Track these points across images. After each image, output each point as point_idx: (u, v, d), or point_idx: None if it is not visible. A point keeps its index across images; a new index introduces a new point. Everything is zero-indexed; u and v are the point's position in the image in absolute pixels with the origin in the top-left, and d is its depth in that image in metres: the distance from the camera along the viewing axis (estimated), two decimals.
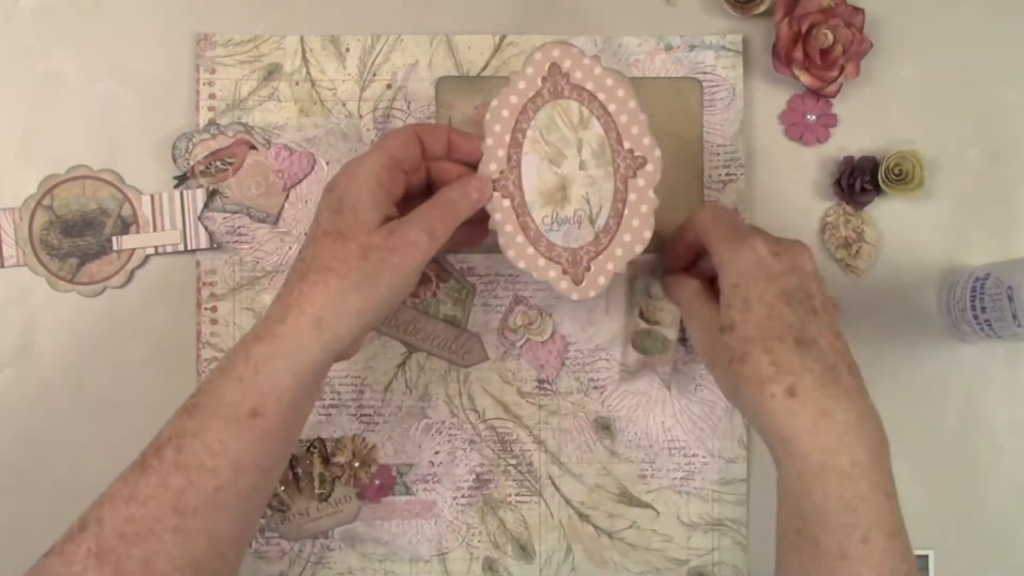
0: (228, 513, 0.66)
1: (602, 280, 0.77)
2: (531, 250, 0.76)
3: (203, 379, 0.68)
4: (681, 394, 0.83)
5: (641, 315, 0.82)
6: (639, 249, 0.76)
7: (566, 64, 0.75)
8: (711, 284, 0.76)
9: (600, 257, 0.76)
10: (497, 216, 0.76)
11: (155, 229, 0.81)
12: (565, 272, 0.77)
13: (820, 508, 0.63)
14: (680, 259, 0.79)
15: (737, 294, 0.68)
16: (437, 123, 0.82)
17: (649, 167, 0.75)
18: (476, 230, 0.76)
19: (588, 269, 0.77)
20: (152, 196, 0.81)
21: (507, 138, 0.76)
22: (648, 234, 0.75)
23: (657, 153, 0.75)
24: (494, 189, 0.76)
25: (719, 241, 0.71)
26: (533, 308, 0.83)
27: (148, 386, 0.81)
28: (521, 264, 0.77)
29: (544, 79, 0.76)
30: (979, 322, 0.78)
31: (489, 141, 0.76)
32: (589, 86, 0.75)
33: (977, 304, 0.77)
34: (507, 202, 0.76)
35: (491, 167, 0.76)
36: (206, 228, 0.81)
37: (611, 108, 0.75)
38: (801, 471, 0.64)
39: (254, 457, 0.66)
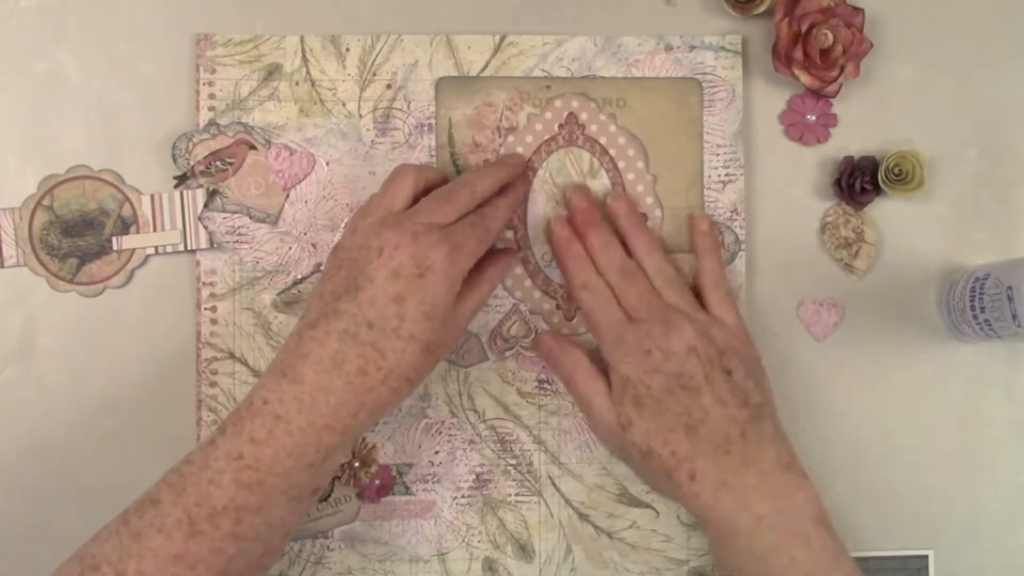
0: (264, 569, 0.71)
1: None
2: (528, 282, 0.82)
3: (258, 451, 0.67)
4: None
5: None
6: None
7: (583, 116, 0.82)
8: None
9: None
10: (498, 246, 0.81)
11: (155, 229, 0.81)
12: (559, 307, 0.83)
13: (737, 565, 0.70)
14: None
15: (627, 393, 0.73)
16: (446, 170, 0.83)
17: (648, 224, 0.82)
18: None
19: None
20: (152, 196, 0.81)
21: None
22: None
23: (659, 212, 0.83)
24: None
25: (601, 338, 0.76)
26: (529, 320, 0.82)
27: (148, 386, 0.81)
28: (517, 294, 0.82)
29: (561, 125, 0.82)
30: (979, 322, 0.78)
31: None
32: (602, 140, 0.82)
33: (977, 304, 0.77)
34: (510, 234, 0.82)
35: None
36: (206, 228, 0.81)
37: (620, 165, 0.83)
38: (714, 536, 0.71)
39: (299, 520, 0.71)
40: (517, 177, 0.80)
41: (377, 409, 0.69)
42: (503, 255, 0.80)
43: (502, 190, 0.78)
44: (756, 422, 0.71)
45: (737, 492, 0.69)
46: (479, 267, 0.74)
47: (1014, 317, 0.73)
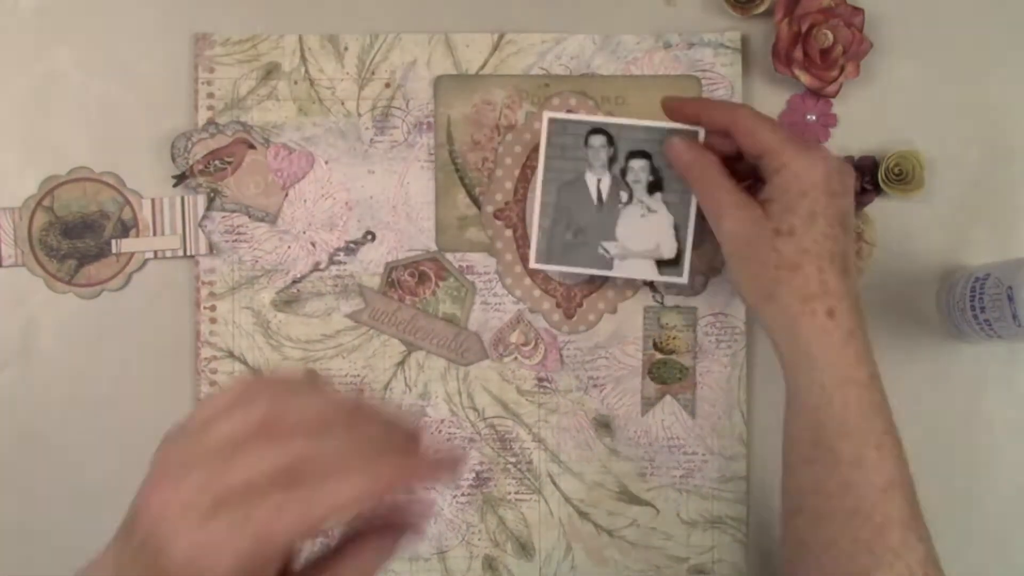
0: None
1: (592, 318, 0.82)
2: (528, 281, 0.82)
3: None
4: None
5: (655, 346, 0.82)
6: (630, 293, 0.83)
7: (581, 115, 0.81)
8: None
9: (593, 296, 0.82)
10: (498, 244, 0.82)
11: (155, 233, 0.81)
12: (559, 305, 0.83)
13: (840, 418, 0.67)
14: (680, 116, 0.77)
15: (804, 204, 0.68)
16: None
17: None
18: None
19: (580, 305, 0.82)
20: (153, 200, 0.81)
21: (516, 172, 0.82)
22: (640, 282, 0.82)
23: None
24: (497, 218, 0.79)
25: (787, 145, 0.70)
26: (532, 330, 0.83)
27: (147, 386, 0.82)
28: (517, 293, 0.82)
29: None
30: (979, 322, 0.77)
31: (499, 172, 0.82)
32: None
33: (977, 304, 0.77)
34: (509, 232, 0.82)
35: (497, 197, 0.82)
36: (206, 234, 0.81)
37: None
38: (824, 383, 0.68)
39: None
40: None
41: None
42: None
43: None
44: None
45: (861, 346, 0.68)
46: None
47: (1014, 317, 0.73)
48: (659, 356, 0.82)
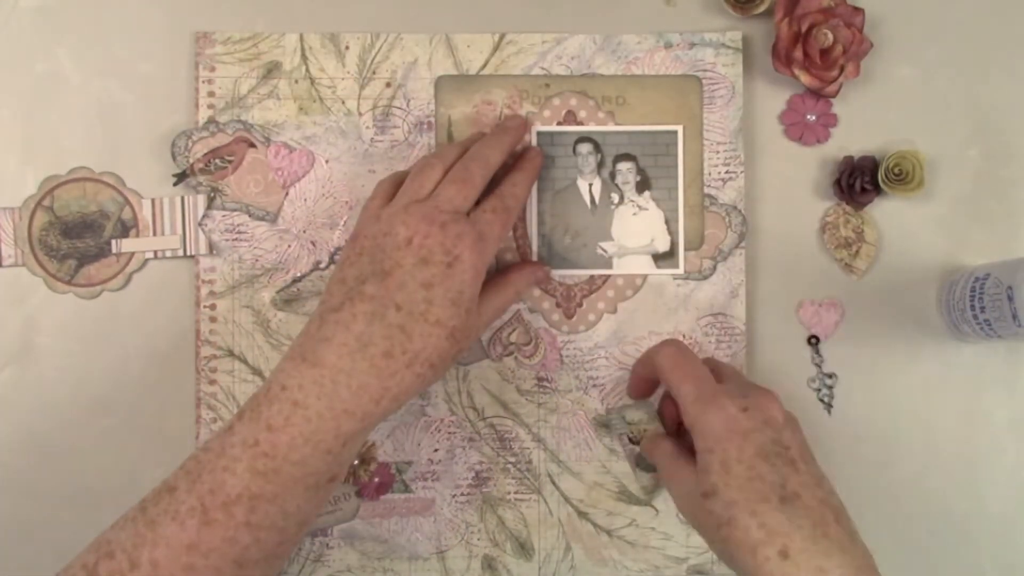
0: (282, 559, 0.70)
1: (592, 318, 0.83)
2: None
3: (274, 438, 0.66)
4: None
5: (631, 441, 0.82)
6: (630, 293, 0.83)
7: (582, 114, 0.82)
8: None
9: (593, 296, 0.82)
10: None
11: (155, 233, 0.81)
12: (559, 305, 0.83)
13: None
14: (642, 391, 0.81)
15: (714, 458, 0.66)
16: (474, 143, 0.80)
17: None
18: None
19: (580, 305, 0.83)
20: (153, 200, 0.81)
21: None
22: (640, 281, 0.82)
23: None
24: None
25: (687, 402, 0.69)
26: (531, 329, 0.83)
27: (147, 385, 0.82)
28: None
29: (560, 123, 0.83)
30: (979, 322, 0.77)
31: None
32: None
33: (977, 304, 0.77)
34: (509, 232, 0.82)
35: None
36: (206, 234, 0.81)
37: None
38: None
39: (317, 510, 0.70)
40: (524, 143, 0.81)
41: (399, 395, 0.69)
42: (530, 265, 0.81)
43: (516, 163, 0.79)
44: (844, 513, 0.65)
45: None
46: (505, 272, 0.76)
47: (1014, 317, 0.73)
48: (638, 449, 0.82)
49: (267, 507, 0.66)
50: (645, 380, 0.79)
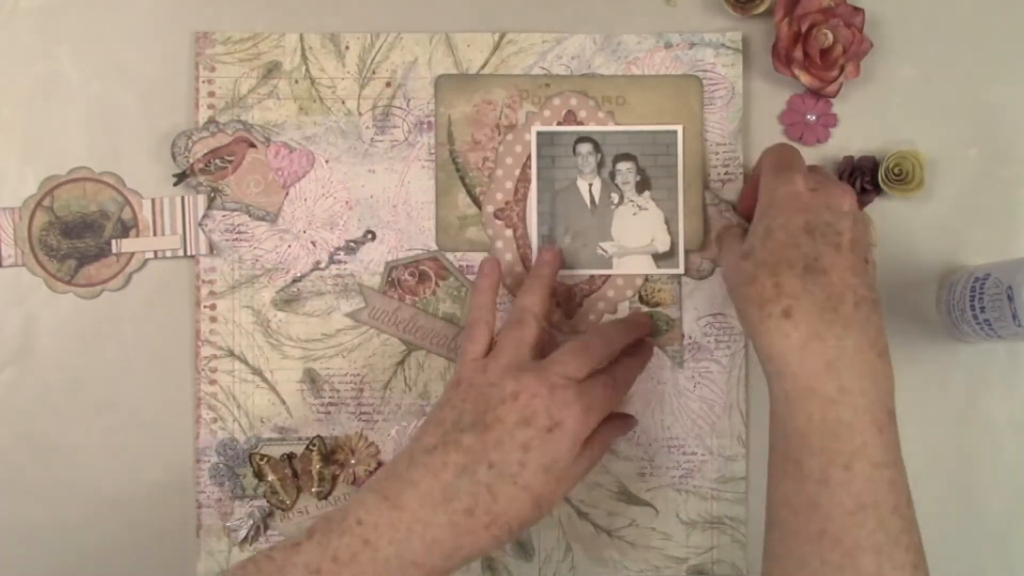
0: None
1: (592, 318, 0.83)
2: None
3: (338, 570, 0.65)
4: (681, 392, 0.83)
5: (640, 299, 0.82)
6: (630, 293, 0.83)
7: (582, 114, 0.82)
8: None
9: (593, 296, 0.82)
10: (499, 244, 0.82)
11: (155, 234, 0.81)
12: (559, 305, 0.83)
13: (803, 432, 0.64)
14: (748, 198, 0.80)
15: (762, 222, 0.69)
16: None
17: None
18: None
19: (580, 305, 0.83)
20: (153, 200, 0.81)
21: (517, 172, 0.82)
22: (640, 281, 0.83)
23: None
24: (497, 218, 0.81)
25: (764, 171, 0.72)
26: None
27: (148, 386, 0.82)
28: (517, 292, 0.81)
29: (560, 123, 0.83)
30: (979, 322, 0.77)
31: (499, 172, 0.82)
32: None
33: (977, 304, 0.77)
34: (509, 232, 0.82)
35: (497, 196, 0.82)
36: (206, 234, 0.81)
37: None
38: (788, 392, 0.65)
39: None
40: (644, 337, 0.81)
41: (470, 555, 0.68)
42: (621, 418, 0.81)
43: (632, 350, 0.78)
44: (872, 305, 0.66)
45: (830, 353, 0.64)
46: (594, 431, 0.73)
47: (1014, 317, 0.73)
48: (645, 309, 0.82)
49: None
50: (753, 182, 0.77)
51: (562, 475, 0.68)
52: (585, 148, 0.82)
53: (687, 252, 0.82)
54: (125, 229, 0.81)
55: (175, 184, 0.81)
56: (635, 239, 0.82)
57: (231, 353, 0.82)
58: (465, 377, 0.71)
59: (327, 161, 0.82)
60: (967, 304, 0.78)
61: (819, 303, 0.64)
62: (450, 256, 0.82)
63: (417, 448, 0.69)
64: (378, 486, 0.68)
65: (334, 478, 0.81)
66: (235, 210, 0.82)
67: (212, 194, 0.81)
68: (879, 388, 0.66)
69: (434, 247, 0.82)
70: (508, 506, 0.67)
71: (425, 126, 0.82)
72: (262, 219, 0.82)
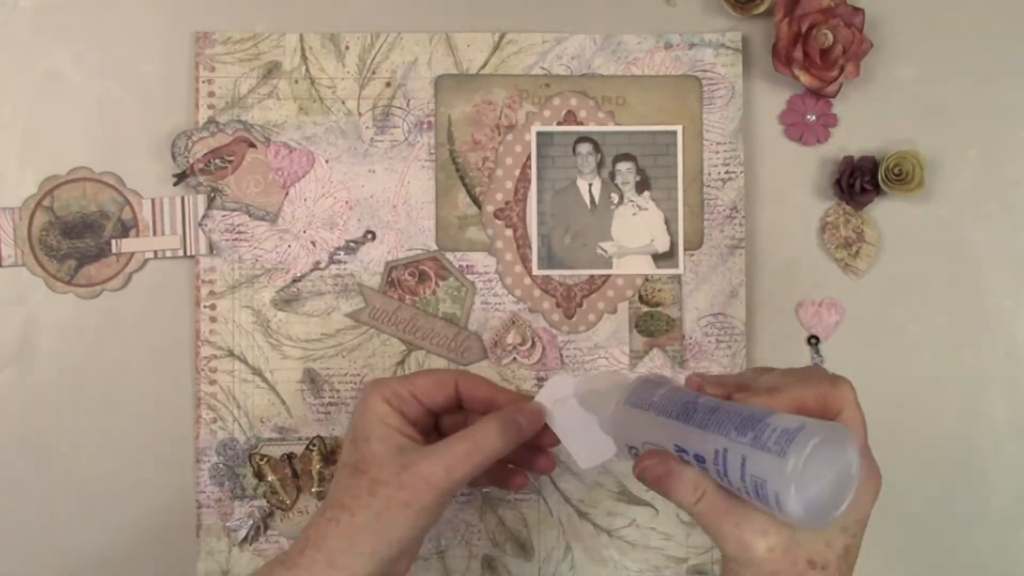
0: None
1: (592, 318, 0.83)
2: (528, 280, 0.83)
3: None
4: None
5: (640, 299, 0.82)
6: (630, 293, 0.83)
7: (582, 114, 0.83)
8: None
9: (593, 296, 0.83)
10: (499, 244, 0.82)
11: (155, 234, 0.81)
12: (559, 305, 0.83)
13: None
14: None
15: (841, 540, 0.60)
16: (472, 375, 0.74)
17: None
18: (537, 459, 0.74)
19: (580, 305, 0.83)
20: (153, 200, 0.81)
21: (517, 172, 0.82)
22: (640, 281, 0.83)
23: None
24: (497, 218, 0.81)
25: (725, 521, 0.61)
26: (529, 329, 0.83)
27: (147, 386, 0.82)
28: (517, 292, 0.83)
29: (560, 123, 0.83)
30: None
31: (499, 172, 0.82)
32: None
33: None
34: (509, 232, 0.82)
35: (497, 197, 0.82)
36: (206, 234, 0.81)
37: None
38: None
39: None
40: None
41: (315, 545, 0.66)
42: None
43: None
44: None
45: None
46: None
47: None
48: (645, 309, 0.82)
49: None
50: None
51: (366, 433, 0.67)
52: (585, 148, 0.82)
53: (686, 252, 0.83)
54: (125, 229, 0.81)
55: (175, 184, 0.81)
56: (635, 239, 0.82)
57: (231, 353, 0.82)
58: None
59: (327, 161, 0.82)
60: None
61: None
62: (450, 256, 0.82)
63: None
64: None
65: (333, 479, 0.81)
66: (235, 210, 0.82)
67: (212, 194, 0.81)
68: None
69: (434, 247, 0.82)
70: (334, 490, 0.67)
71: (425, 126, 0.82)
72: (262, 219, 0.82)
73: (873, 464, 0.61)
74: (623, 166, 0.82)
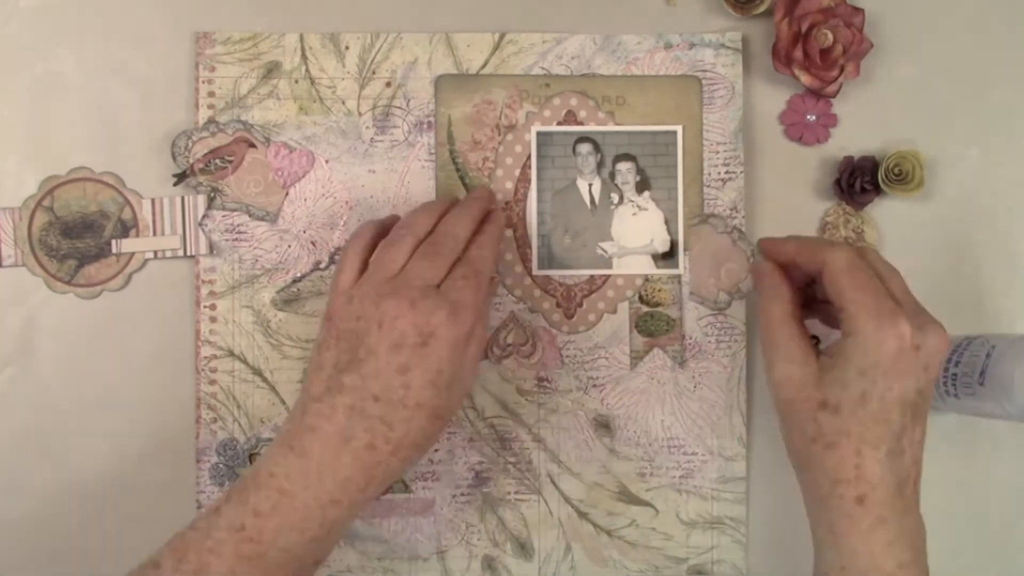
0: None
1: (592, 318, 0.83)
2: (528, 280, 0.83)
3: (261, 524, 0.66)
4: (682, 392, 0.83)
5: (641, 299, 0.82)
6: (630, 293, 0.83)
7: (582, 114, 0.82)
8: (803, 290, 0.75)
9: (593, 296, 0.83)
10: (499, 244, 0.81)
11: (155, 234, 0.81)
12: (559, 305, 0.83)
13: None
14: (779, 258, 0.75)
15: (859, 384, 0.66)
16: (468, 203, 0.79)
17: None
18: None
19: (580, 305, 0.83)
20: (153, 200, 0.81)
21: (517, 172, 0.82)
22: (640, 281, 0.83)
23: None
24: None
25: (861, 309, 0.66)
26: (528, 329, 0.83)
27: (147, 386, 0.81)
28: (517, 292, 0.83)
29: (560, 123, 0.83)
30: (946, 375, 0.76)
31: (499, 172, 0.82)
32: None
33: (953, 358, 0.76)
34: (509, 232, 0.82)
35: (497, 197, 0.82)
36: (206, 234, 0.81)
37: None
38: (846, 566, 0.67)
39: None
40: (490, 210, 0.79)
41: (386, 480, 0.69)
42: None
43: (479, 228, 0.77)
44: (919, 476, 0.68)
45: (891, 534, 0.65)
46: None
47: (982, 373, 0.72)
48: (645, 309, 0.82)
49: None
50: (797, 263, 0.73)
51: (452, 379, 0.69)
52: (585, 148, 0.82)
53: (686, 252, 0.83)
54: (125, 229, 0.81)
55: (175, 184, 0.81)
56: (635, 239, 0.82)
57: (231, 353, 0.82)
58: (334, 311, 0.72)
59: (327, 161, 0.82)
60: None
61: (892, 490, 0.66)
62: None
63: (307, 397, 0.70)
64: (281, 439, 0.69)
65: None
66: (235, 210, 0.81)
67: (212, 194, 0.81)
68: (923, 553, 0.68)
69: None
70: (406, 429, 0.68)
71: (425, 126, 0.82)
72: (262, 219, 0.82)
73: (885, 307, 0.66)
74: (623, 166, 0.82)
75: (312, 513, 0.67)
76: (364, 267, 0.73)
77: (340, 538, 0.72)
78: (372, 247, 0.74)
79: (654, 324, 0.82)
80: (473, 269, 0.72)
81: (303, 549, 0.67)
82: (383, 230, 0.75)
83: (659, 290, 0.82)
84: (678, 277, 0.82)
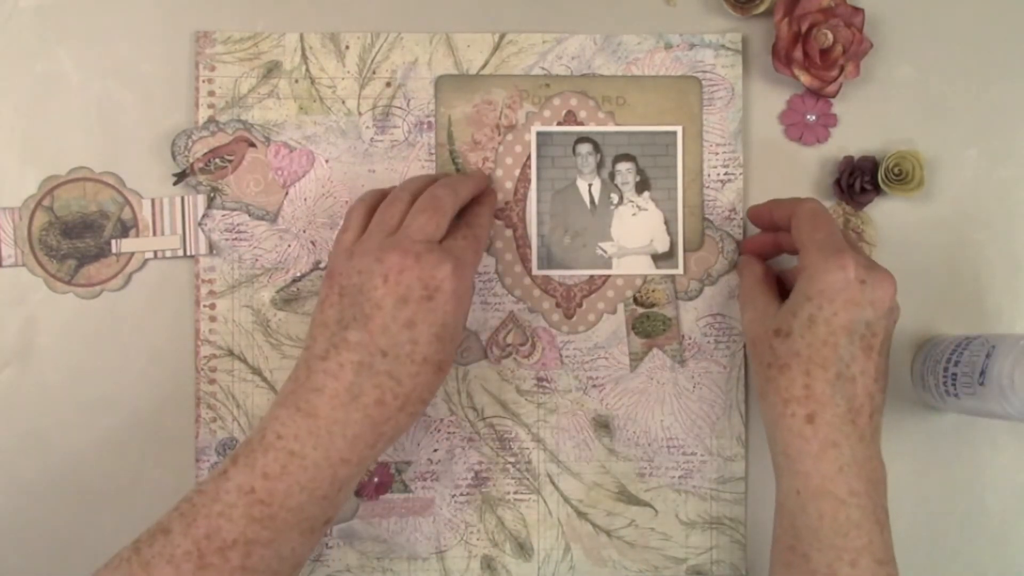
0: None
1: (592, 318, 0.83)
2: (528, 280, 0.83)
3: (271, 486, 0.66)
4: (681, 392, 0.83)
5: (636, 301, 0.82)
6: (629, 294, 0.83)
7: (582, 114, 0.83)
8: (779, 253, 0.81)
9: (592, 296, 0.83)
10: (499, 244, 0.82)
11: (155, 233, 0.81)
12: (558, 305, 0.83)
13: (814, 528, 0.68)
14: (762, 222, 0.81)
15: (806, 308, 0.69)
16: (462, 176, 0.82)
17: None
18: None
19: (580, 305, 0.83)
20: (153, 200, 0.81)
21: (517, 172, 0.82)
22: (639, 282, 0.83)
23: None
24: (497, 218, 0.82)
25: (813, 245, 0.71)
26: (527, 329, 0.83)
27: (147, 385, 0.81)
28: (517, 292, 0.83)
29: (560, 123, 0.83)
30: (947, 374, 0.77)
31: (499, 172, 0.82)
32: None
33: (953, 357, 0.77)
34: (509, 232, 0.82)
35: (497, 197, 0.82)
36: (206, 234, 0.81)
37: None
38: (800, 490, 0.68)
39: (311, 551, 0.70)
40: (485, 188, 0.81)
41: (394, 436, 0.70)
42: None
43: (475, 199, 0.79)
44: (880, 413, 0.70)
45: (843, 459, 0.67)
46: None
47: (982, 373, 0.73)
48: (641, 310, 0.82)
49: (263, 551, 0.66)
50: (771, 218, 0.78)
51: (455, 335, 0.70)
52: (585, 148, 0.82)
53: (686, 252, 0.83)
54: (125, 229, 0.81)
55: (175, 184, 0.81)
56: (634, 239, 0.82)
57: (231, 353, 0.82)
58: (335, 268, 0.72)
59: (327, 161, 0.82)
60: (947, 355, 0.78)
61: (841, 414, 0.68)
62: None
63: (311, 356, 0.70)
64: (286, 400, 0.69)
65: None
66: (235, 210, 0.82)
67: (212, 194, 0.81)
68: (879, 490, 0.69)
69: None
70: (414, 384, 0.69)
71: (425, 126, 0.82)
72: (262, 219, 0.82)
73: (834, 243, 0.70)
74: (623, 166, 0.82)
75: (322, 473, 0.67)
76: (365, 223, 0.74)
77: (350, 495, 0.72)
78: (375, 210, 0.75)
79: (651, 325, 0.82)
80: (473, 233, 0.74)
81: (314, 509, 0.67)
82: (387, 196, 0.76)
83: (653, 291, 0.82)
84: (671, 277, 0.82)
